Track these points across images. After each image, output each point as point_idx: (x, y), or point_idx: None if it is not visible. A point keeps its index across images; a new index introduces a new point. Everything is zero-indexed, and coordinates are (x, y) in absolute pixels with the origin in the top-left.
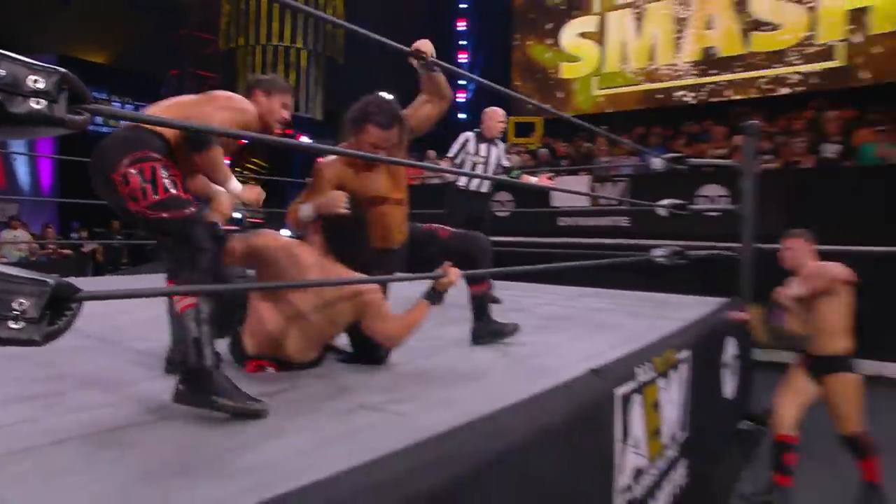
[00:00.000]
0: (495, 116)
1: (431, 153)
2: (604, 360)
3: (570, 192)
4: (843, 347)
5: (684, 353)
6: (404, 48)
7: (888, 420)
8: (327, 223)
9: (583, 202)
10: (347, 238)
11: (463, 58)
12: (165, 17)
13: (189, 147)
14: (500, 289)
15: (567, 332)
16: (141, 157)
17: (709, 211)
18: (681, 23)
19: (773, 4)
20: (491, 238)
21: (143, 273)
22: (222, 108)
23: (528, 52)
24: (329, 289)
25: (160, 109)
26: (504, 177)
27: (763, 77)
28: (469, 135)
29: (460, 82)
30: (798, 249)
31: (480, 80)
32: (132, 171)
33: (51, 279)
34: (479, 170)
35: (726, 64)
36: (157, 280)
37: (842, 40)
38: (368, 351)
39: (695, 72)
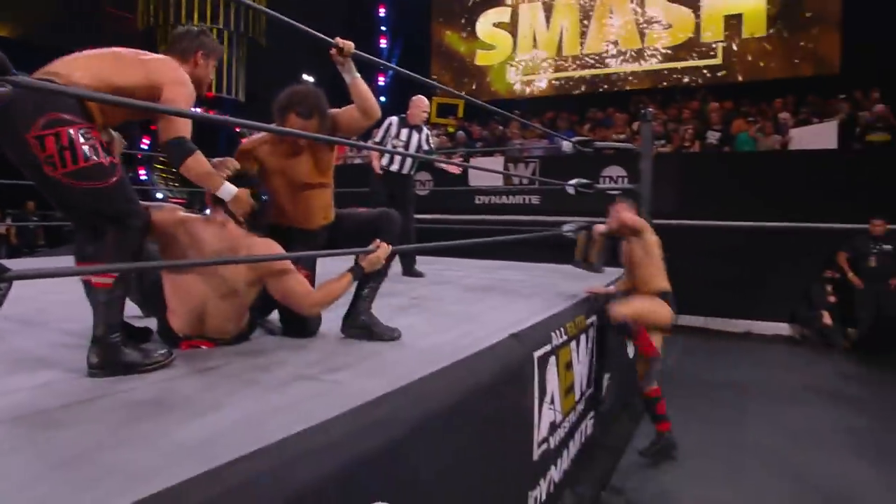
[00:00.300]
0: (420, 105)
1: None
2: (522, 326)
3: (486, 170)
4: (651, 284)
5: (592, 318)
6: (325, 38)
7: (755, 372)
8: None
9: (497, 182)
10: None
11: (383, 43)
12: None
13: (169, 161)
14: (423, 263)
15: (487, 302)
16: (55, 119)
17: (611, 190)
18: (586, 17)
19: (664, 6)
20: (414, 216)
21: (61, 255)
22: (179, 84)
23: (445, 40)
24: (230, 265)
25: (88, 61)
26: (420, 156)
27: (657, 70)
28: (393, 119)
29: (380, 67)
30: (618, 210)
31: (396, 67)
32: (47, 134)
33: None
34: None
35: (625, 56)
36: None
37: (720, 42)
38: (298, 325)
39: (598, 62)
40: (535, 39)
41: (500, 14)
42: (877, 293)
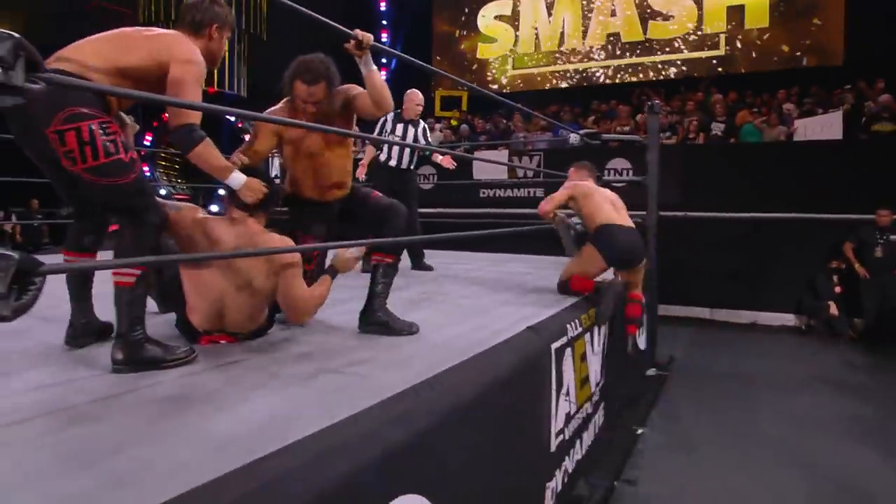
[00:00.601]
0: (414, 98)
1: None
2: (537, 318)
3: (490, 161)
4: (593, 222)
5: None
6: (345, 30)
7: (762, 362)
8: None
9: (502, 175)
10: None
11: (384, 37)
12: None
13: (177, 149)
14: (430, 257)
15: (497, 295)
16: (76, 113)
17: (618, 182)
18: (588, 9)
19: None
20: (419, 210)
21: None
22: (186, 62)
23: (446, 34)
24: (247, 259)
25: (95, 44)
26: (418, 146)
27: (659, 61)
28: (388, 115)
29: (382, 60)
30: (575, 174)
31: (410, 58)
32: (68, 128)
33: (15, 253)
34: (395, 147)
35: (628, 48)
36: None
37: (723, 33)
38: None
39: (601, 55)
40: (536, 32)
41: (502, 7)
42: (883, 283)
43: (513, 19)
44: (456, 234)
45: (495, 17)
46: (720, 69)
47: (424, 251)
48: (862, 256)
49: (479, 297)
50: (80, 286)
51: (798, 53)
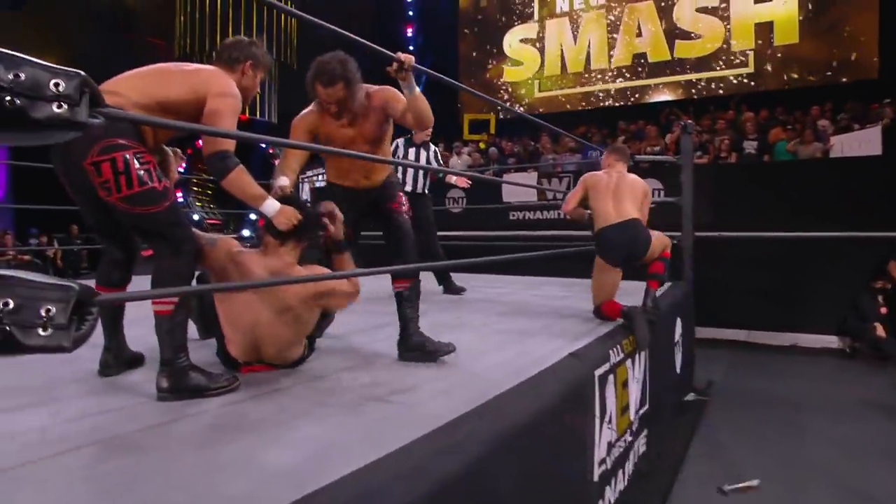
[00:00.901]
0: None
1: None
2: (579, 344)
3: (518, 184)
4: (596, 226)
5: None
6: (387, 52)
7: (805, 386)
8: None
9: (531, 197)
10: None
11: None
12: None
13: (212, 176)
14: (462, 281)
15: (536, 319)
16: (111, 145)
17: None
18: (613, 31)
19: (693, 16)
20: (447, 233)
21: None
22: (223, 95)
23: (473, 57)
24: (286, 291)
25: (136, 80)
26: (432, 170)
27: (687, 81)
28: (399, 141)
29: None
30: (605, 159)
31: (449, 79)
32: (104, 159)
33: (76, 284)
34: (409, 173)
35: (655, 68)
36: (137, 283)
37: (751, 50)
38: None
39: (627, 75)
40: (562, 54)
41: (527, 30)
42: None
43: (538, 42)
44: (489, 258)
45: (521, 41)
46: (751, 86)
47: (455, 274)
48: None
49: (516, 321)
50: (112, 318)
51: (830, 69)
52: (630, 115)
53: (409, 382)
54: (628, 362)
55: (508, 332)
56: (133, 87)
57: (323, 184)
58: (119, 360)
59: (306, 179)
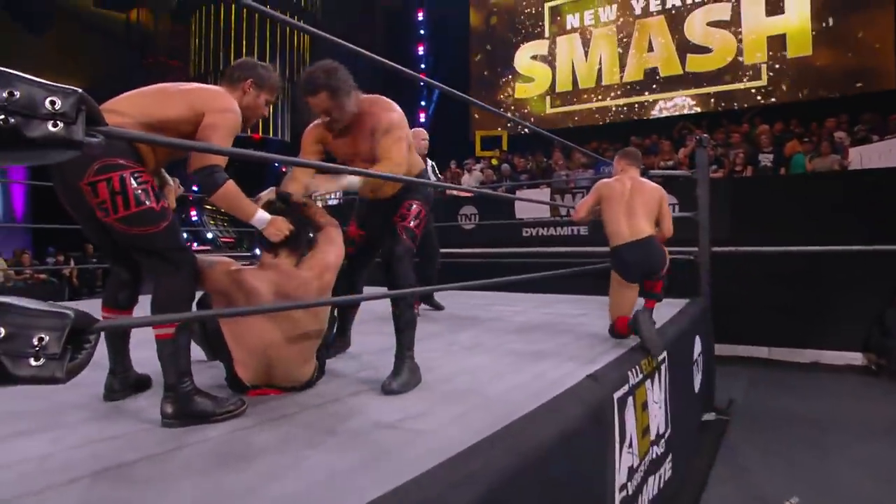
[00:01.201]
0: (419, 135)
1: None
2: (597, 365)
3: (530, 200)
4: (611, 242)
5: (664, 354)
6: (401, 68)
7: (830, 405)
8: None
9: (544, 213)
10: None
11: (421, 81)
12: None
13: (201, 190)
14: (476, 298)
15: (551, 339)
16: (108, 164)
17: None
18: (624, 46)
19: (704, 30)
20: (440, 250)
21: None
22: (221, 111)
23: (484, 75)
24: (294, 290)
25: (138, 99)
26: (429, 185)
27: (700, 94)
28: None
29: (422, 103)
30: (618, 163)
31: (464, 95)
32: (100, 179)
33: (70, 311)
34: None
35: (667, 83)
36: (143, 302)
37: (764, 63)
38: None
39: (639, 90)
40: (574, 70)
41: (538, 47)
42: None
43: (549, 58)
44: (504, 279)
45: (531, 58)
46: (763, 100)
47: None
48: None
49: (531, 341)
50: (118, 341)
51: (846, 80)
52: (642, 130)
53: (422, 407)
54: (647, 383)
55: (524, 354)
56: (134, 106)
57: (336, 201)
58: (125, 383)
59: (318, 197)
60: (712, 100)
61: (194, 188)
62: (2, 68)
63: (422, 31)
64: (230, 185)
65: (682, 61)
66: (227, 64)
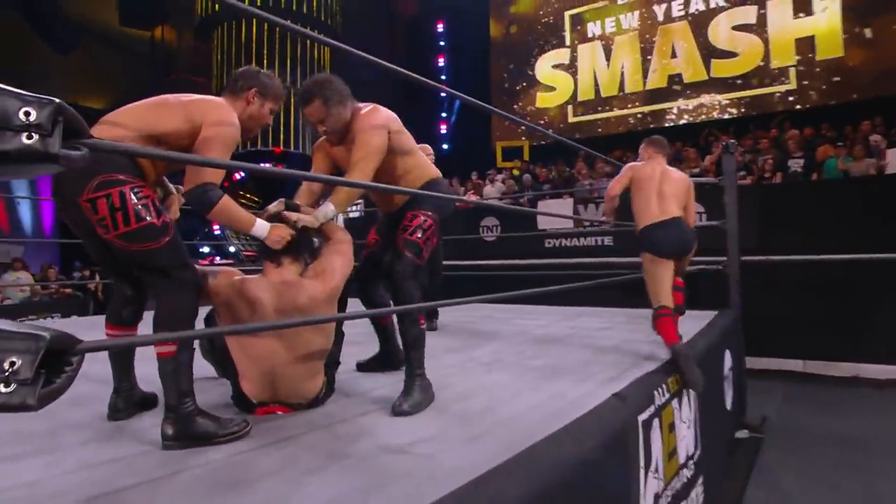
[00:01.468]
0: (424, 151)
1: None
2: (621, 384)
3: (553, 215)
4: (639, 222)
5: None
6: (421, 79)
7: (873, 423)
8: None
9: (567, 224)
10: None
11: (443, 92)
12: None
13: (196, 210)
14: (496, 311)
15: (574, 354)
16: (108, 180)
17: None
18: (647, 53)
19: (729, 34)
20: (444, 262)
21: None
22: (218, 124)
23: (505, 84)
24: (300, 300)
25: (140, 110)
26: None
27: (726, 100)
28: None
29: (443, 115)
30: (645, 151)
31: (486, 105)
32: (100, 196)
33: (47, 332)
34: None
35: (692, 89)
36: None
37: (792, 66)
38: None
39: (663, 97)
40: (595, 78)
41: (559, 56)
42: None
43: (570, 67)
44: (526, 291)
45: (553, 67)
46: (793, 104)
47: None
48: None
49: (551, 357)
50: (122, 359)
51: (879, 81)
52: (667, 138)
53: (433, 429)
54: (674, 402)
55: (544, 371)
56: (134, 118)
57: (357, 214)
58: (129, 402)
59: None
60: (739, 105)
61: None
62: None
63: (441, 43)
64: (225, 201)
65: (707, 66)
66: None
